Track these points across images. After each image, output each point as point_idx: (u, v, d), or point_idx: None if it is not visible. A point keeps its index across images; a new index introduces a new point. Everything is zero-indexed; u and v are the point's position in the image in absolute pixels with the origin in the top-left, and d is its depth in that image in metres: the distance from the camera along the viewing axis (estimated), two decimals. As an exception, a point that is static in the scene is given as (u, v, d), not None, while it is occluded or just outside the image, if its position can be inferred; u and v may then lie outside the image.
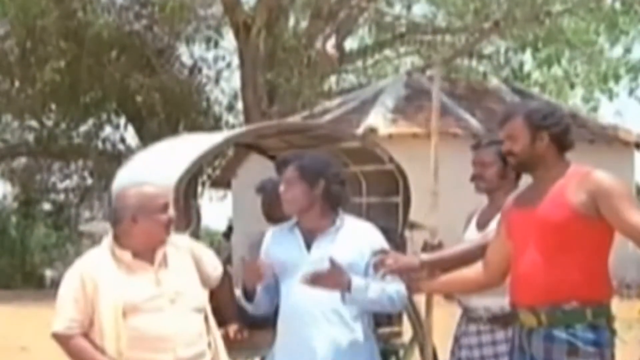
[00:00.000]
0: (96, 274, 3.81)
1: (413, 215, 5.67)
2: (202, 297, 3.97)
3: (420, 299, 4.66)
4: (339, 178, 4.12)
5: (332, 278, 3.88)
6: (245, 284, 4.10)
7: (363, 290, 3.92)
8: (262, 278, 4.04)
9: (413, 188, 5.56)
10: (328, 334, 3.95)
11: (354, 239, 4.07)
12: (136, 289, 3.80)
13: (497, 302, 4.07)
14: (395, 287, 4.03)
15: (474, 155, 4.41)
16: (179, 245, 4.01)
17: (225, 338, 4.21)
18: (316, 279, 3.87)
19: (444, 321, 4.67)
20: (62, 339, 3.82)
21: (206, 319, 3.96)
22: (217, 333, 4.02)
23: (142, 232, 3.85)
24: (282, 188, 4.10)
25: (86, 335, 3.80)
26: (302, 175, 4.04)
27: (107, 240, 3.93)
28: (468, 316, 4.36)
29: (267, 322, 4.25)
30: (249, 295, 4.10)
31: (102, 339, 3.77)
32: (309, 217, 4.08)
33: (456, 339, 4.42)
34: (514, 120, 3.68)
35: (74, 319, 3.79)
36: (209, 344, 3.94)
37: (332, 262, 3.87)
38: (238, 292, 4.27)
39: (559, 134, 3.66)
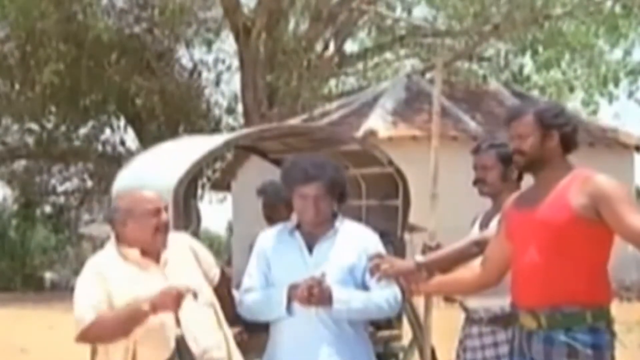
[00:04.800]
0: (108, 272, 3.84)
1: (413, 218, 5.67)
2: (209, 292, 4.00)
3: (419, 301, 4.66)
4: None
5: (314, 293, 3.87)
6: None
7: (345, 303, 3.94)
8: None
9: (413, 191, 5.56)
10: (324, 337, 3.96)
11: (353, 241, 4.09)
12: (148, 284, 3.81)
13: (498, 302, 4.08)
14: (389, 293, 4.04)
15: (475, 160, 4.39)
16: (179, 242, 4.05)
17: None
18: (302, 298, 3.89)
19: (443, 323, 4.68)
20: (94, 328, 3.73)
21: (216, 313, 3.98)
22: (227, 328, 4.04)
23: (131, 236, 3.90)
24: (311, 202, 4.05)
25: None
26: (329, 191, 4.06)
27: (111, 242, 3.96)
28: (470, 318, 4.37)
29: (266, 325, 4.24)
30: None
31: None
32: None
33: (460, 342, 4.43)
34: (524, 118, 3.65)
35: (100, 301, 3.75)
36: (224, 337, 3.96)
37: (318, 278, 3.88)
38: (236, 294, 4.27)
39: (569, 133, 3.65)
